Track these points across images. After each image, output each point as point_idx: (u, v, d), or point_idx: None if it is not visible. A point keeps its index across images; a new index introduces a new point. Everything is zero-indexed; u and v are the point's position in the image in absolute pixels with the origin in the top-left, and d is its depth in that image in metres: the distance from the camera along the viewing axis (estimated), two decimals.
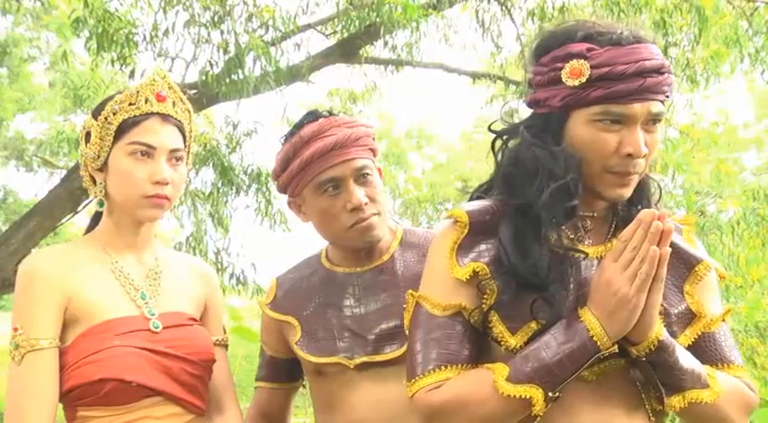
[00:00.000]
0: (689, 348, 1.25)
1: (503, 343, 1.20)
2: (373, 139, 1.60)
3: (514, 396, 1.14)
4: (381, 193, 1.58)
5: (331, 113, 1.60)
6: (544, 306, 1.18)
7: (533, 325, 1.18)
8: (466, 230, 1.24)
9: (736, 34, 5.77)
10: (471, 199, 1.34)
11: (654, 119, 1.20)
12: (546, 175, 1.20)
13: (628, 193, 1.23)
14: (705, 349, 1.28)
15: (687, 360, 1.21)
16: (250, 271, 5.87)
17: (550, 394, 1.14)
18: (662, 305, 1.22)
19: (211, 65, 4.75)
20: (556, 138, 1.22)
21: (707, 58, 5.75)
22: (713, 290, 1.32)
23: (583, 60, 1.18)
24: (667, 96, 1.22)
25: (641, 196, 1.28)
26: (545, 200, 1.19)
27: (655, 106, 1.20)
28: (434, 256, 1.27)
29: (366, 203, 1.53)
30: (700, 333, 1.27)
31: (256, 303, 1.94)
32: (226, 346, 1.64)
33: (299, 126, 1.58)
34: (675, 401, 1.20)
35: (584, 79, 1.18)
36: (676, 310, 1.26)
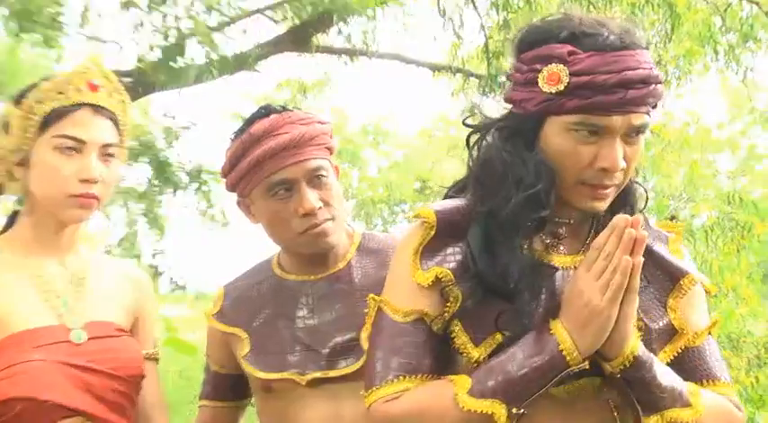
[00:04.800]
0: (673, 363, 1.26)
1: (465, 354, 1.20)
2: (330, 136, 1.60)
3: (475, 411, 1.14)
4: (338, 196, 1.57)
5: (285, 109, 1.59)
6: (511, 317, 1.18)
7: (499, 336, 1.19)
8: (432, 232, 1.24)
9: (709, 31, 5.92)
10: (445, 198, 1.35)
11: (636, 131, 1.21)
12: (514, 183, 1.20)
13: (603, 206, 1.24)
14: (689, 364, 1.29)
15: (666, 377, 1.22)
16: (190, 276, 5.81)
17: (514, 411, 1.14)
18: (642, 320, 1.23)
19: (152, 50, 4.69)
20: (528, 142, 1.22)
21: (679, 55, 5.89)
22: (699, 304, 1.33)
23: (562, 65, 1.18)
24: (654, 107, 1.22)
25: (624, 202, 1.29)
26: (512, 209, 1.20)
27: (637, 119, 1.19)
28: (398, 258, 1.27)
29: (320, 208, 1.53)
30: (683, 348, 1.28)
31: (195, 312, 1.92)
32: (156, 361, 1.62)
33: (249, 122, 1.57)
34: (653, 422, 1.21)
35: (561, 87, 1.18)
36: (657, 326, 1.27)
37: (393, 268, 1.28)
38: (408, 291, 1.23)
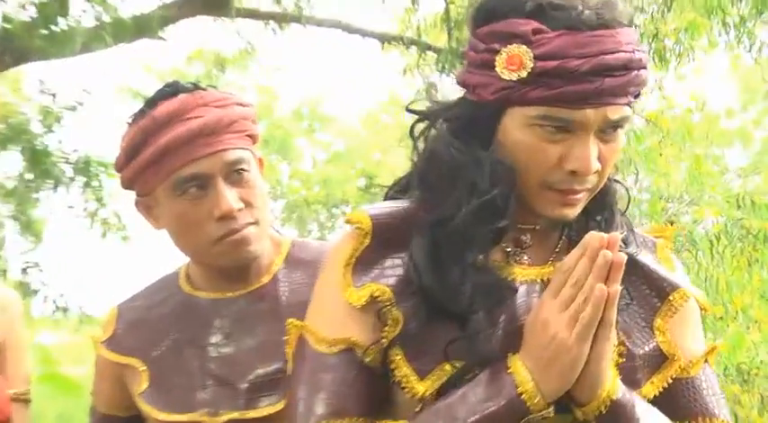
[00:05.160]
0: (662, 396, 1.29)
1: (407, 389, 1.20)
2: (253, 121, 1.61)
3: None
4: (262, 195, 1.59)
5: (197, 87, 1.60)
6: (464, 343, 1.19)
7: (448, 367, 1.20)
8: (367, 240, 1.24)
9: None
10: (386, 199, 1.36)
11: (613, 126, 1.22)
12: (466, 187, 1.21)
13: (574, 212, 1.25)
14: (682, 399, 1.31)
15: (651, 421, 1.24)
16: (74, 295, 5.77)
17: None
18: (624, 345, 1.26)
19: (23, 8, 4.62)
20: (484, 138, 1.22)
21: (680, 28, 6.01)
22: (692, 324, 1.36)
23: (525, 46, 1.17)
24: (636, 97, 1.23)
25: (603, 204, 1.31)
26: (462, 218, 1.21)
27: (614, 112, 1.20)
28: (325, 274, 1.27)
29: (240, 209, 1.54)
30: (673, 378, 1.31)
31: (80, 339, 1.93)
32: (28, 402, 1.62)
33: (152, 103, 1.57)
34: None
35: (523, 73, 1.17)
36: (642, 351, 1.29)
37: (318, 286, 1.28)
38: (336, 314, 1.23)
